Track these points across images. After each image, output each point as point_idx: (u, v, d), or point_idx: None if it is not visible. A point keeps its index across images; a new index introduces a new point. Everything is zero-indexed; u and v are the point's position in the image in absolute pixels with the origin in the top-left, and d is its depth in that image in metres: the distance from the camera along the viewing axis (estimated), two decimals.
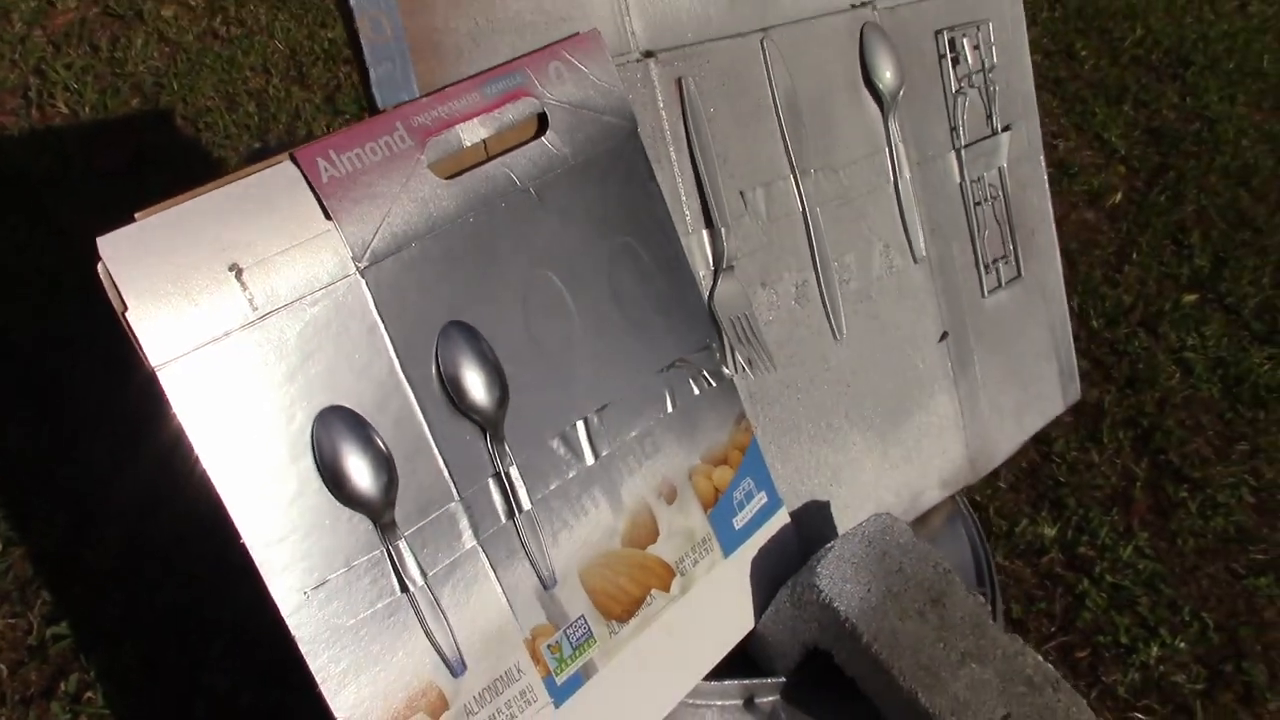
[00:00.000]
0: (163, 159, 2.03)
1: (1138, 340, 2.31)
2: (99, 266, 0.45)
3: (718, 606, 0.66)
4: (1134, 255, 2.55)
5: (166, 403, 0.47)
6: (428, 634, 0.53)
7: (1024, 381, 0.89)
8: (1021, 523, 1.82)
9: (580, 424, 0.59)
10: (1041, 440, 1.98)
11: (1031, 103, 0.89)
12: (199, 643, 1.37)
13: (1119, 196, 2.74)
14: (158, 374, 0.46)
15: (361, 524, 0.51)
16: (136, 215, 0.46)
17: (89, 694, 1.30)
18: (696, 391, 0.65)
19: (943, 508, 0.83)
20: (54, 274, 1.79)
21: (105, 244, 0.45)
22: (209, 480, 0.48)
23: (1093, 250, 2.55)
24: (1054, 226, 0.92)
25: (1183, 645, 1.68)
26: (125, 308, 0.45)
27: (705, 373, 0.65)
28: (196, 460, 0.48)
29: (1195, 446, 2.09)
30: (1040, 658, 0.66)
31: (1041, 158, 0.90)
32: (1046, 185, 0.90)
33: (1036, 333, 0.90)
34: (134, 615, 1.38)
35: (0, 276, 1.76)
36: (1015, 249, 0.88)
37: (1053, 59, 3.33)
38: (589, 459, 0.59)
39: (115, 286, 0.45)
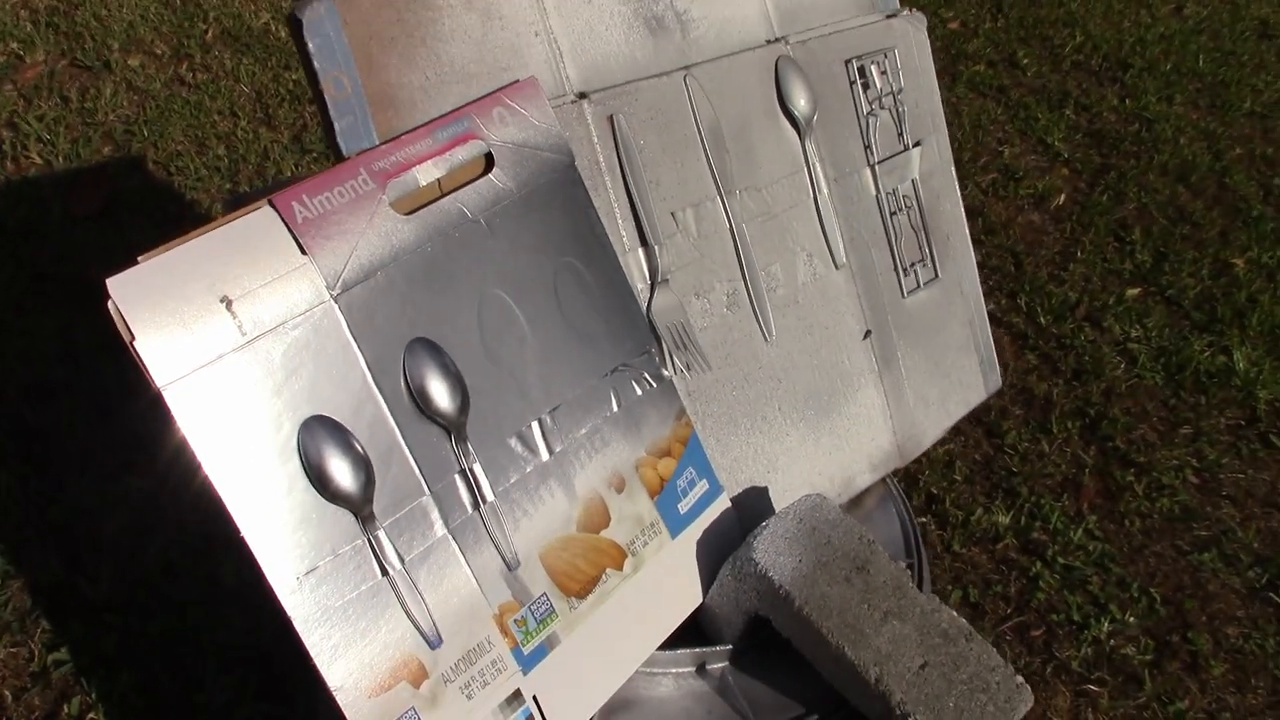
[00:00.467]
0: (136, 203, 2.10)
1: (1084, 334, 2.41)
2: (109, 303, 0.53)
3: (667, 583, 0.73)
4: (1078, 253, 2.65)
5: (171, 418, 0.55)
6: (407, 612, 0.61)
7: (946, 372, 0.97)
8: (977, 512, 1.91)
9: (535, 424, 0.67)
10: (994, 433, 2.08)
11: (940, 119, 0.98)
12: (193, 664, 1.44)
13: (1063, 198, 2.85)
14: (163, 393, 0.54)
15: (344, 517, 0.59)
16: (139, 258, 0.54)
17: (91, 715, 1.35)
18: (639, 392, 0.73)
19: (875, 489, 0.92)
20: (36, 320, 1.85)
21: (113, 284, 0.53)
22: (211, 485, 0.55)
23: (1039, 250, 2.66)
24: (967, 230, 1.01)
25: (1132, 620, 1.77)
26: (133, 337, 0.53)
27: (646, 375, 0.73)
28: (199, 468, 0.55)
29: (1140, 432, 2.19)
30: (955, 614, 0.74)
31: (953, 169, 0.99)
32: (959, 193, 0.99)
33: (956, 328, 0.99)
34: (130, 641, 1.44)
35: None
36: (932, 252, 0.96)
37: (996, 68, 3.45)
38: (544, 455, 0.67)
39: (123, 319, 0.52)
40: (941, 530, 1.87)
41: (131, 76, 2.44)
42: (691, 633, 0.77)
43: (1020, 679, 0.71)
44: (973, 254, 1.00)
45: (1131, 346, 2.40)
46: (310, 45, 0.62)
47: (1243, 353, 2.43)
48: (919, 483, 1.94)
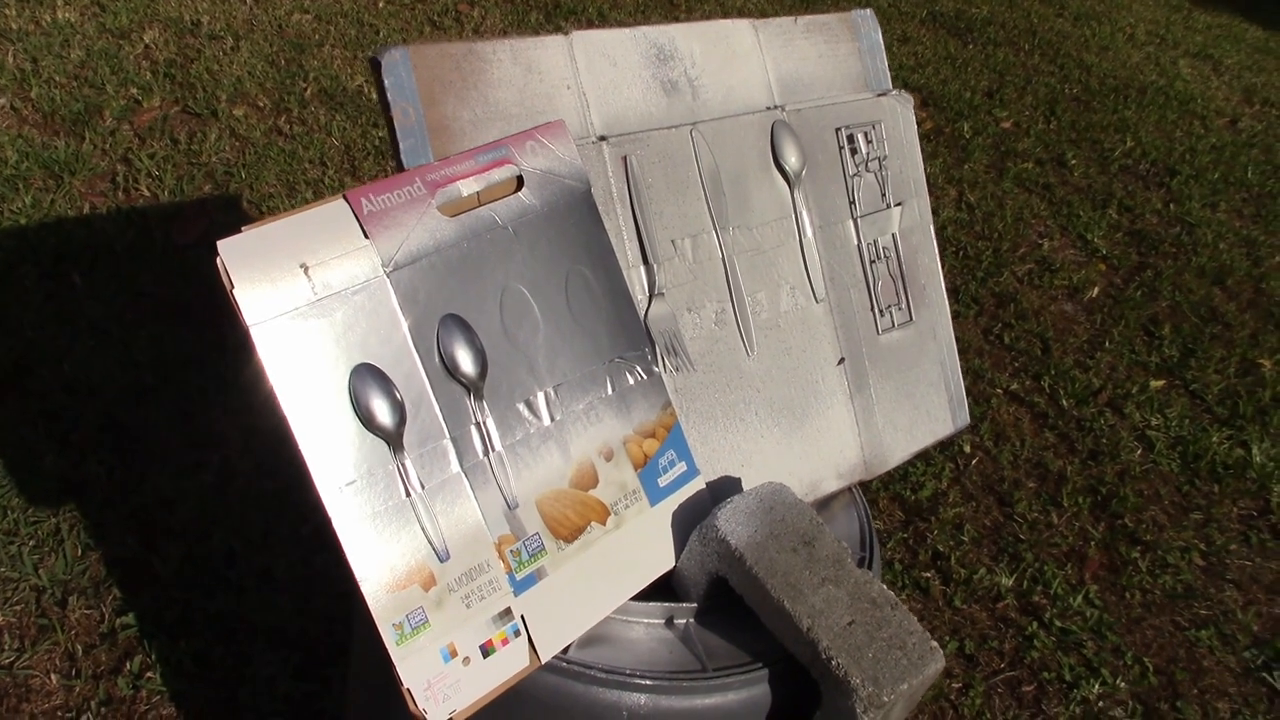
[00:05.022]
0: (231, 235, 2.31)
1: (1104, 419, 2.51)
2: (217, 259, 0.70)
3: (643, 543, 0.88)
4: (1106, 343, 2.76)
5: (255, 352, 0.71)
6: (423, 529, 0.76)
7: (916, 404, 1.11)
8: (980, 571, 2.02)
9: (540, 395, 0.83)
10: (1006, 502, 2.19)
11: (922, 185, 1.13)
12: (244, 642, 1.60)
13: (1096, 290, 2.97)
14: (250, 331, 0.70)
15: (380, 446, 0.75)
16: (243, 228, 0.71)
17: (149, 674, 1.52)
18: (631, 381, 0.88)
19: (841, 496, 1.05)
20: (133, 331, 2.06)
21: (223, 245, 0.70)
22: (279, 407, 0.71)
23: (1067, 338, 2.77)
24: (943, 283, 1.15)
25: (1123, 685, 1.86)
26: (232, 285, 0.69)
27: (639, 368, 0.88)
28: (272, 392, 0.71)
29: (1151, 514, 2.28)
30: (885, 588, 0.87)
31: (931, 228, 1.14)
32: (936, 249, 1.14)
33: (927, 366, 1.13)
34: (190, 615, 1.61)
35: (89, 333, 2.03)
36: (907, 298, 1.11)
37: (1044, 166, 3.59)
38: (546, 420, 0.83)
39: (226, 271, 0.69)
40: (945, 586, 1.98)
41: (235, 125, 2.69)
42: (663, 593, 0.91)
43: (935, 644, 0.83)
44: (947, 304, 1.15)
45: (1150, 434, 2.49)
46: (386, 82, 0.80)
47: (1261, 448, 2.51)
48: (926, 540, 2.05)
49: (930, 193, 3.28)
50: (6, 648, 1.51)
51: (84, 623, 1.56)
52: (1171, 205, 3.52)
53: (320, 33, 3.21)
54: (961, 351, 2.58)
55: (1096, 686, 1.84)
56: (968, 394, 2.45)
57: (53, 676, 1.49)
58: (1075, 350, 2.71)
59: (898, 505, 2.11)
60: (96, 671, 1.50)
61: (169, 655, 1.54)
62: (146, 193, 2.40)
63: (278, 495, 1.79)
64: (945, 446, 2.28)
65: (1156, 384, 2.65)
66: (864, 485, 1.96)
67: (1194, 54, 4.99)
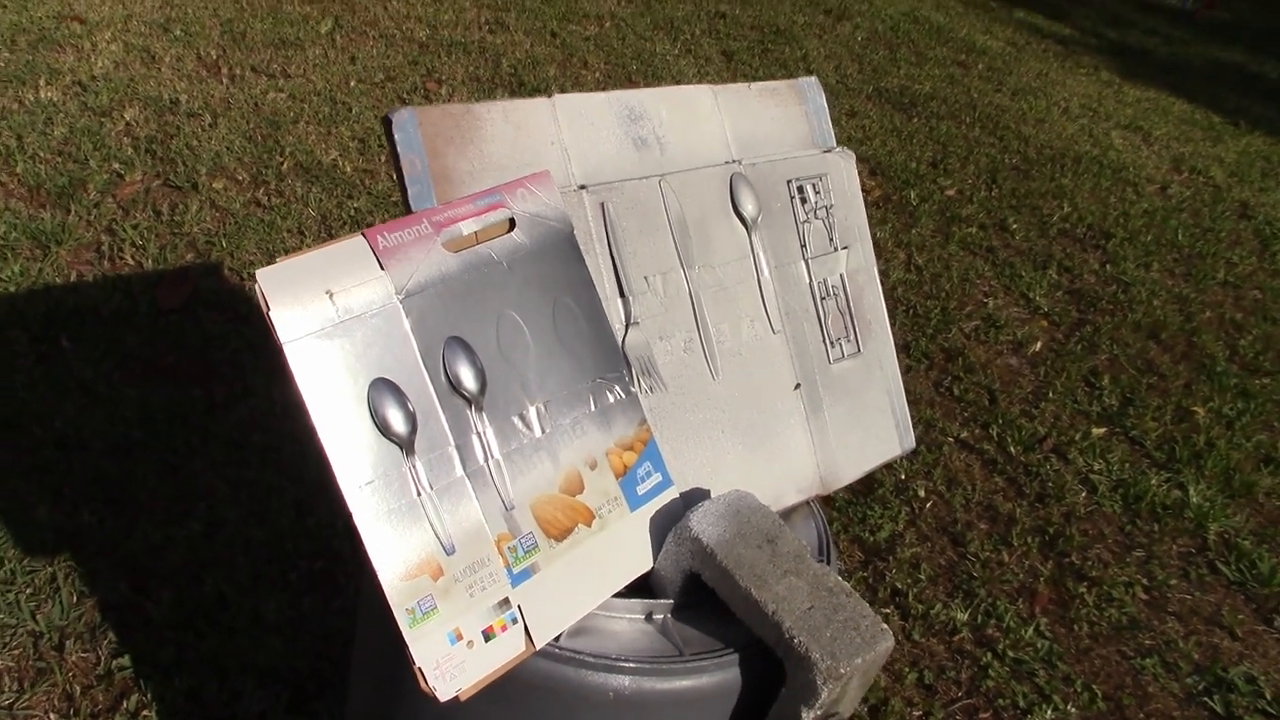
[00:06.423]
0: (213, 301, 2.41)
1: (1049, 464, 2.64)
2: (256, 285, 0.81)
3: (624, 545, 0.98)
4: (1050, 394, 2.91)
5: (288, 367, 0.81)
6: (431, 525, 0.86)
7: (866, 427, 1.23)
8: (936, 607, 2.12)
9: (533, 410, 0.93)
10: (959, 543, 2.30)
11: (865, 232, 1.26)
12: (235, 679, 1.66)
13: (1039, 345, 3.13)
14: (284, 347, 0.81)
15: (394, 451, 0.85)
16: (278, 259, 0.82)
17: (145, 712, 1.58)
18: (611, 399, 0.99)
19: (801, 509, 1.16)
20: (120, 390, 2.14)
21: (261, 274, 0.81)
22: (308, 414, 0.81)
23: (1013, 389, 2.92)
24: (887, 320, 1.28)
25: (1073, 710, 1.96)
26: (269, 307, 0.80)
27: (618, 388, 0.99)
28: (301, 401, 0.81)
29: (1096, 551, 2.40)
30: (842, 580, 0.97)
31: (875, 270, 1.27)
32: (880, 289, 1.26)
33: (875, 394, 1.25)
34: (184, 655, 1.68)
35: (78, 392, 2.11)
36: (855, 332, 1.23)
37: (987, 231, 3.78)
38: (537, 432, 0.93)
39: (264, 296, 0.80)
40: (904, 621, 2.08)
41: (215, 196, 2.80)
42: (642, 593, 1.01)
43: (885, 626, 0.94)
44: (891, 339, 1.27)
45: (1093, 477, 2.63)
46: (396, 137, 0.92)
47: (1197, 489, 2.66)
48: (885, 578, 2.16)
49: (880, 255, 3.44)
50: (6, 689, 1.57)
51: (81, 665, 1.62)
52: (1108, 266, 3.72)
53: (295, 110, 3.35)
54: (913, 403, 2.71)
55: (1049, 712, 1.94)
56: (920, 441, 2.57)
57: (52, 716, 1.54)
58: (1021, 401, 2.85)
59: (857, 546, 2.22)
60: (94, 711, 1.56)
61: (163, 694, 1.60)
62: (131, 261, 2.50)
63: (265, 543, 1.86)
64: (900, 491, 2.39)
65: (1098, 431, 2.80)
66: (824, 502, 2.07)
67: (1125, 126, 5.26)
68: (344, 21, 4.18)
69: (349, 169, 3.05)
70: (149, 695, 1.59)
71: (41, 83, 3.16)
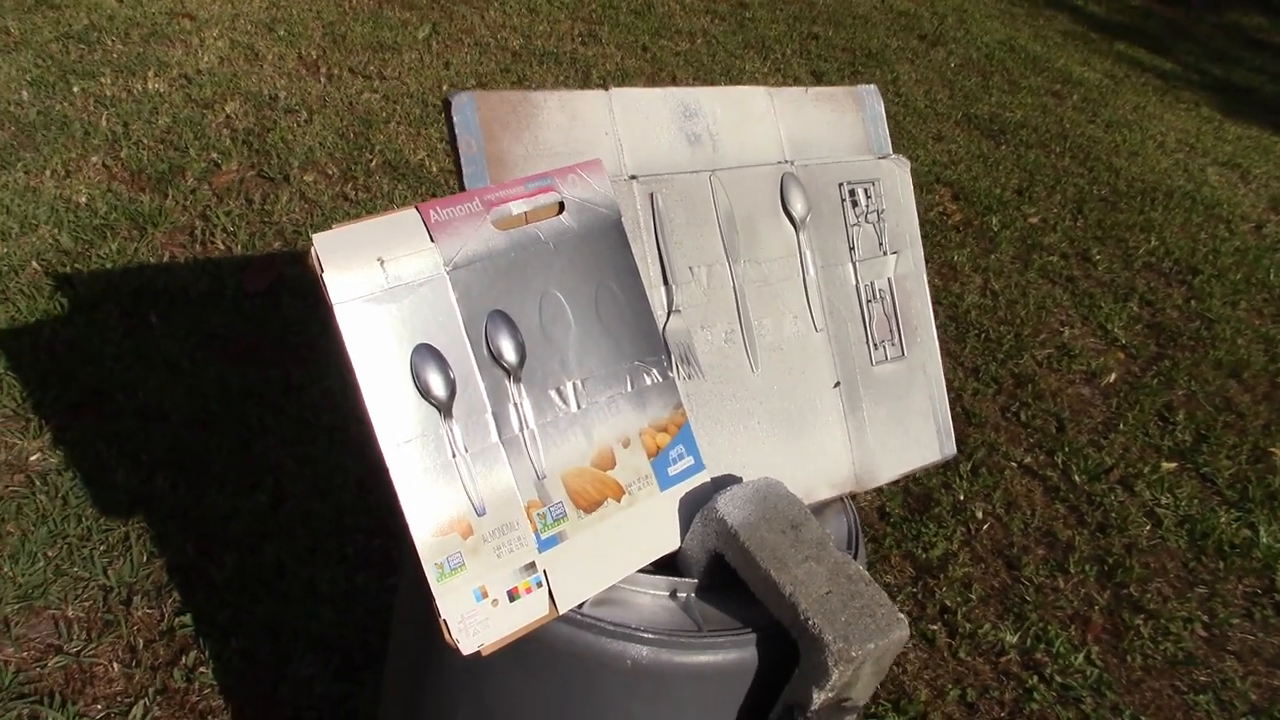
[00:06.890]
0: (296, 288, 2.51)
1: (1114, 495, 2.60)
2: (311, 249, 0.86)
3: (652, 522, 1.01)
4: (1120, 426, 2.87)
5: (337, 327, 0.86)
6: (464, 486, 0.90)
7: (906, 430, 1.24)
8: (985, 627, 2.11)
9: (570, 385, 0.97)
10: (1014, 566, 2.28)
11: (916, 238, 1.28)
12: (287, 644, 1.73)
13: (1113, 377, 3.08)
14: (334, 308, 0.86)
15: (433, 413, 0.89)
16: (334, 226, 0.87)
17: (202, 669, 1.65)
18: (649, 381, 1.02)
19: (833, 504, 1.18)
20: (202, 368, 2.23)
21: (317, 238, 0.86)
22: (353, 372, 0.86)
23: (1082, 419, 2.88)
24: (934, 325, 1.29)
25: None
26: (322, 270, 0.85)
27: (655, 371, 1.03)
28: (347, 360, 0.86)
29: (1156, 585, 2.36)
30: (862, 569, 0.99)
31: (924, 276, 1.28)
32: (928, 294, 1.28)
33: (918, 398, 1.26)
34: (241, 617, 1.75)
35: (162, 366, 2.21)
36: (900, 336, 1.25)
37: (1069, 260, 3.73)
38: (573, 407, 0.97)
39: (318, 259, 0.85)
40: (950, 638, 2.07)
41: (305, 189, 2.91)
42: (669, 572, 1.03)
43: (901, 615, 0.95)
44: (937, 344, 1.28)
45: (1159, 511, 2.58)
46: (455, 119, 0.97)
47: (1269, 530, 2.59)
48: (935, 595, 2.15)
49: (955, 278, 3.42)
50: (75, 637, 1.65)
51: (145, 620, 1.70)
52: (1192, 301, 3.64)
53: (387, 111, 3.46)
54: (978, 426, 2.69)
55: None
56: (981, 464, 2.55)
57: (115, 666, 1.63)
58: (1090, 430, 2.81)
59: (909, 562, 2.22)
60: (154, 664, 1.64)
61: (220, 653, 1.67)
62: (221, 246, 2.61)
63: (326, 517, 1.93)
64: (957, 511, 2.38)
65: (1168, 466, 2.74)
66: (872, 539, 2.07)
67: (1223, 163, 5.14)
68: (441, 28, 4.30)
69: (435, 169, 3.14)
70: (206, 652, 1.66)
71: (150, 74, 3.32)
